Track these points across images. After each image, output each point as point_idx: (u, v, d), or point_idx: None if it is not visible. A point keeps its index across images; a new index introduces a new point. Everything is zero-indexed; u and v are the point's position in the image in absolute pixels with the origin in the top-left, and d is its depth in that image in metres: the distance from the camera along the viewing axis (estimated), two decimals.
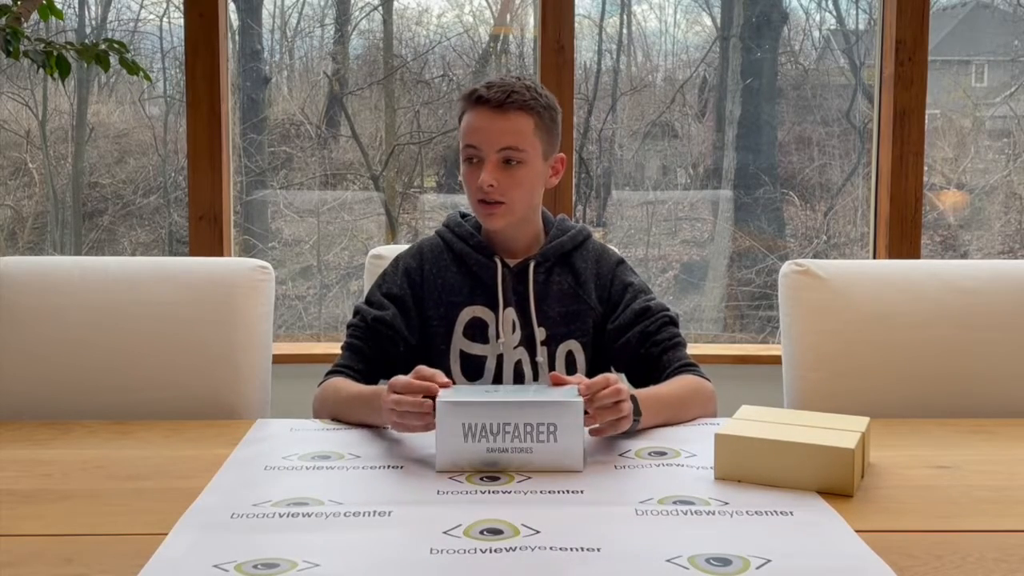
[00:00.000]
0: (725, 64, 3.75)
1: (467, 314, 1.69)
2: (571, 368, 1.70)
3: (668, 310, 1.72)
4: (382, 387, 1.54)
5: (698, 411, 1.61)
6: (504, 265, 1.71)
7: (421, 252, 1.76)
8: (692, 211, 3.86)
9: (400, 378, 1.41)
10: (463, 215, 1.80)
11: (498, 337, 1.68)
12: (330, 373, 1.71)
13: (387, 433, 1.52)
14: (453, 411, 1.34)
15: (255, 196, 3.71)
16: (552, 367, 1.69)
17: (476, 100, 1.64)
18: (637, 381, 1.71)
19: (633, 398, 1.47)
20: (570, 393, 1.38)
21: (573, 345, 1.70)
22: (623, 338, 1.69)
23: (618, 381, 1.41)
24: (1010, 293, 1.87)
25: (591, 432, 1.42)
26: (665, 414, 1.56)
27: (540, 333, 1.69)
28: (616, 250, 1.83)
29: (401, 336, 1.69)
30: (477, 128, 1.64)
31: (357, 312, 1.74)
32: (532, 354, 1.68)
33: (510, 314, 1.69)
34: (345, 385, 1.64)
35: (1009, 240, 3.83)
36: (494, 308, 1.69)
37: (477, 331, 1.69)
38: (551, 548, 1.06)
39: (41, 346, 1.79)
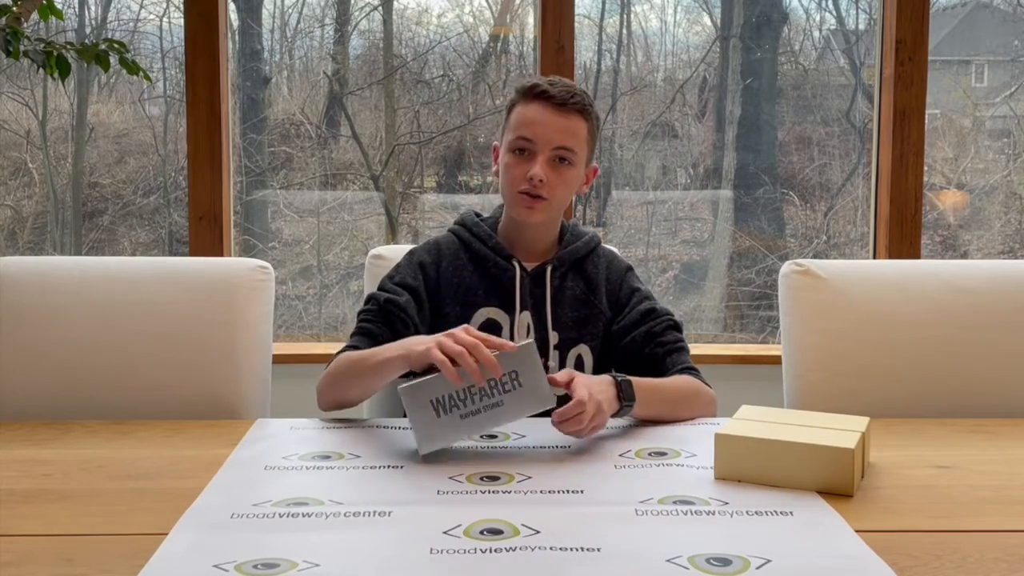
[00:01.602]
0: (725, 64, 3.75)
1: (482, 315, 1.68)
2: (579, 371, 1.70)
3: (672, 315, 1.73)
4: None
5: (698, 413, 1.62)
6: (522, 268, 1.71)
7: (438, 248, 1.75)
8: (692, 211, 3.86)
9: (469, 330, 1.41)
10: (478, 215, 1.79)
11: (512, 340, 1.67)
12: (338, 354, 1.65)
13: (387, 433, 1.52)
14: (416, 392, 1.36)
15: (255, 196, 3.71)
16: None
17: (538, 94, 1.64)
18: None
19: (628, 383, 1.48)
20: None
21: (583, 349, 1.70)
22: (628, 337, 1.70)
23: (585, 406, 1.40)
24: (1010, 293, 1.87)
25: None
26: (659, 406, 1.56)
27: (553, 337, 1.69)
28: (623, 257, 1.84)
29: (412, 321, 1.66)
30: (536, 121, 1.64)
31: (368, 300, 1.70)
32: (544, 358, 1.68)
33: (525, 318, 1.69)
34: (358, 352, 1.59)
35: (1009, 240, 3.83)
36: (509, 311, 1.69)
37: (490, 333, 1.68)
38: (551, 548, 1.06)
39: (41, 346, 1.79)
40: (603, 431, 1.51)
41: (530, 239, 1.73)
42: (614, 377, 1.49)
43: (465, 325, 1.43)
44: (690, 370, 1.68)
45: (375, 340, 1.64)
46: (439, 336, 1.40)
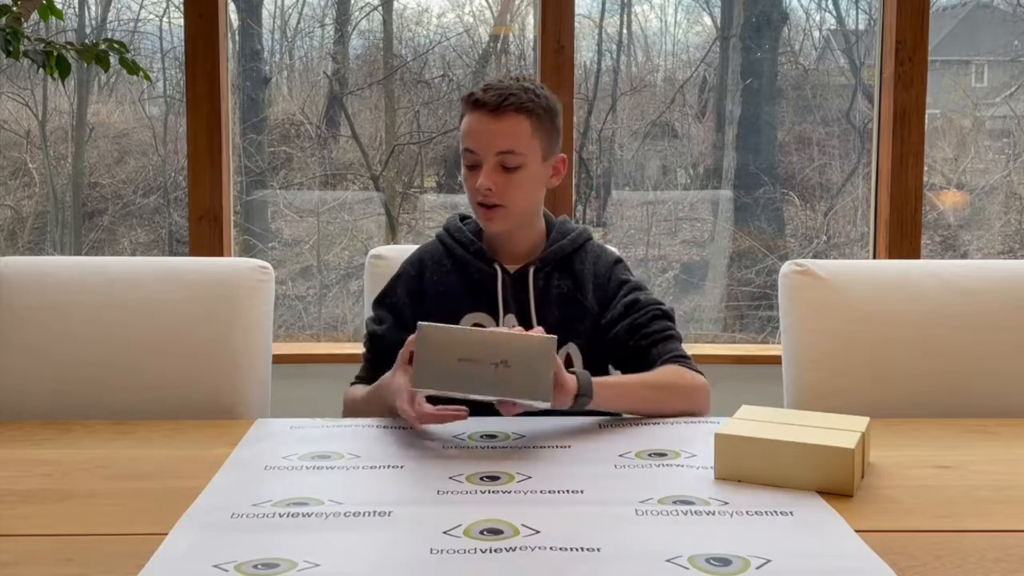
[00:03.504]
0: (725, 64, 3.75)
1: (468, 320, 1.69)
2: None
3: (661, 304, 1.71)
4: (382, 380, 1.58)
5: (678, 403, 1.60)
6: (504, 271, 1.71)
7: (421, 260, 1.77)
8: (692, 211, 3.87)
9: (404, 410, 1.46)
10: (463, 218, 1.80)
11: None
12: (352, 385, 1.77)
13: (387, 433, 1.52)
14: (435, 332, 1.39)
15: (255, 196, 3.72)
16: None
17: (473, 103, 1.64)
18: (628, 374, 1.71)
19: (587, 377, 1.49)
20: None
21: (571, 348, 1.70)
22: (613, 331, 1.69)
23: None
24: (1010, 293, 1.87)
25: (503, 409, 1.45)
26: (630, 404, 1.57)
27: None
28: (615, 251, 1.83)
29: (397, 347, 1.68)
30: (474, 131, 1.65)
31: (367, 324, 1.79)
32: None
33: (511, 320, 1.69)
34: (356, 391, 1.72)
35: (1009, 240, 3.84)
36: (495, 314, 1.69)
37: None
38: (551, 548, 1.06)
39: (41, 346, 1.79)
40: (603, 431, 1.51)
41: (511, 241, 1.73)
42: (573, 372, 1.50)
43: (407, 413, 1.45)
44: (679, 358, 1.66)
45: (371, 368, 1.73)
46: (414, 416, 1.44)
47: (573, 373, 1.49)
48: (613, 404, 1.55)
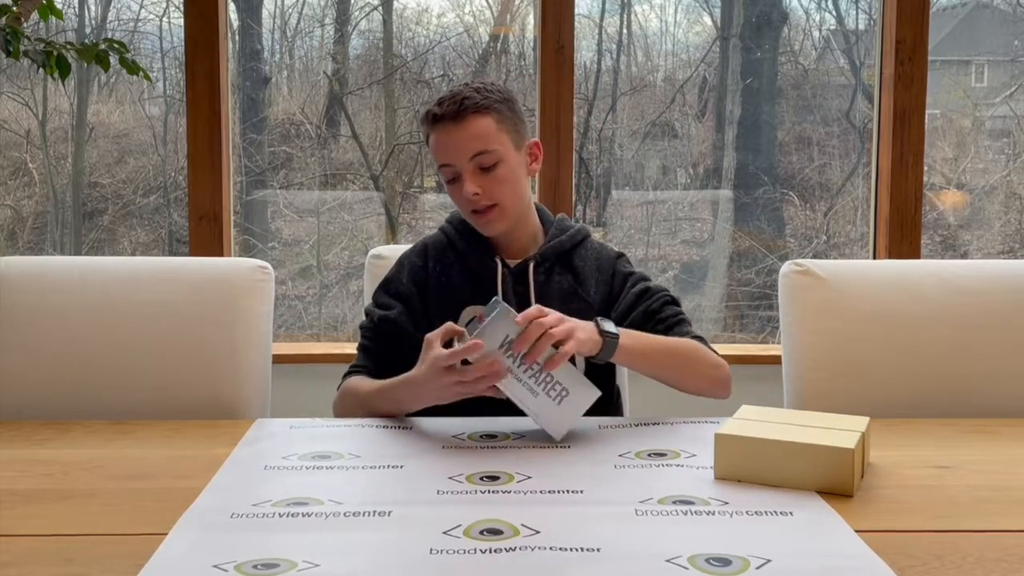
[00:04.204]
0: (725, 64, 3.75)
1: (468, 313, 1.69)
2: (571, 364, 1.70)
3: (667, 291, 1.73)
4: (405, 376, 1.55)
5: (700, 373, 1.62)
6: (505, 265, 1.72)
7: (426, 249, 1.78)
8: (692, 211, 3.87)
9: (444, 354, 1.46)
10: None
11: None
12: (346, 374, 1.73)
13: (387, 433, 1.52)
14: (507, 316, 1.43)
15: (255, 196, 3.72)
16: None
17: (433, 120, 1.67)
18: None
19: (608, 321, 1.51)
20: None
21: None
22: (627, 320, 1.70)
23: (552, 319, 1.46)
24: (1010, 293, 1.87)
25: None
26: (653, 354, 1.58)
27: None
28: (614, 247, 1.84)
29: (406, 333, 1.69)
30: (443, 145, 1.67)
31: (367, 314, 1.76)
32: None
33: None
34: (360, 384, 1.67)
35: (1009, 240, 3.84)
36: None
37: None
38: (551, 548, 1.06)
39: (41, 346, 1.79)
40: (603, 431, 1.51)
41: (510, 237, 1.74)
42: (595, 320, 1.52)
43: (435, 355, 1.47)
44: (696, 339, 1.68)
45: (372, 356, 1.72)
46: (442, 381, 1.45)
47: (594, 320, 1.51)
48: (638, 356, 1.56)
